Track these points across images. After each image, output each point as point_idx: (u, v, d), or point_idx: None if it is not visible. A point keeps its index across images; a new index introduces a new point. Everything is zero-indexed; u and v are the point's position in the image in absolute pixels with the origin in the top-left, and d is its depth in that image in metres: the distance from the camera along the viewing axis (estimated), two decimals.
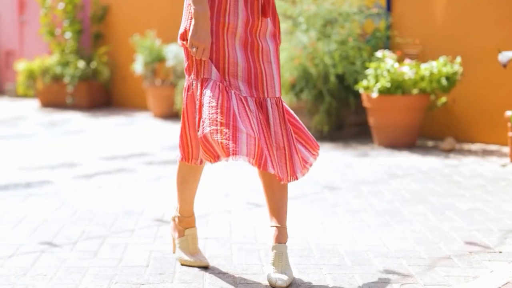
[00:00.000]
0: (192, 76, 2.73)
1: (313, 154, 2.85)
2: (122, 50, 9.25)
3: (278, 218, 2.83)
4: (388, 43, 6.75)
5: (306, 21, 6.49)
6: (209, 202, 4.11)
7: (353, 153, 5.80)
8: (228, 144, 2.50)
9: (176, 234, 3.01)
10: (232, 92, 2.65)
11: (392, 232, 3.46)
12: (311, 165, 2.83)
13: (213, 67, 2.67)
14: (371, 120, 6.12)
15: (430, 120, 6.35)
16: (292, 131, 2.78)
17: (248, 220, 3.72)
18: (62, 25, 9.53)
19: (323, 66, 6.30)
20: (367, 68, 6.20)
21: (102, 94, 9.48)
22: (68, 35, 9.41)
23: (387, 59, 5.98)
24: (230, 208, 3.99)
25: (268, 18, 2.78)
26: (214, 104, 2.59)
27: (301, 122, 2.87)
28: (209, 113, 2.57)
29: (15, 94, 10.80)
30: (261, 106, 2.71)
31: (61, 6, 9.44)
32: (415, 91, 5.91)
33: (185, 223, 2.99)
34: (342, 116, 6.55)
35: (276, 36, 2.81)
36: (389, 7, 6.73)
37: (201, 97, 2.66)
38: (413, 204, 4.03)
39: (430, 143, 6.19)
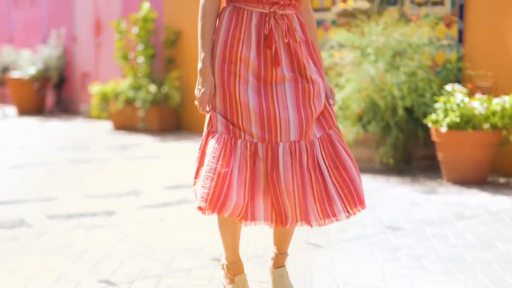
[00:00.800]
0: (205, 125, 2.82)
1: (348, 212, 2.79)
2: (193, 75, 9.36)
3: (279, 247, 3.00)
4: (459, 75, 6.60)
5: (375, 52, 6.42)
6: (268, 241, 4.08)
7: (420, 189, 5.68)
8: (218, 196, 2.59)
9: (227, 281, 2.98)
10: (239, 142, 2.71)
11: (453, 281, 3.36)
12: (337, 220, 2.79)
13: (221, 120, 2.74)
14: (440, 155, 5.99)
15: (502, 155, 6.17)
16: (323, 179, 2.75)
17: (306, 262, 3.68)
18: (135, 49, 9.73)
19: (391, 98, 6.21)
20: (436, 101, 6.08)
21: (173, 118, 9.61)
22: (141, 59, 9.60)
23: (456, 94, 5.85)
24: (289, 249, 3.95)
25: (310, 62, 2.80)
26: (216, 154, 2.66)
27: (354, 174, 2.80)
28: (209, 162, 2.66)
29: (89, 116, 11.07)
30: (273, 150, 2.71)
31: (135, 30, 9.64)
32: (486, 126, 5.76)
33: (233, 270, 2.96)
34: (410, 149, 6.43)
35: (298, 80, 2.78)
36: (460, 39, 6.59)
37: (205, 146, 2.75)
38: (478, 250, 3.90)
39: (502, 180, 6.01)
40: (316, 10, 7.92)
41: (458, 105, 5.78)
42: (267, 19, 2.78)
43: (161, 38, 9.77)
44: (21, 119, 11.32)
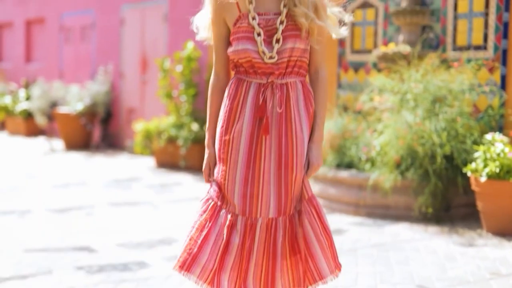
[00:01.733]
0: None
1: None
2: None
3: None
4: (501, 122, 6.46)
5: (414, 99, 6.33)
6: None
7: (458, 240, 5.54)
8: (186, 258, 2.78)
9: None
10: (223, 211, 2.83)
11: None
12: None
13: (214, 187, 2.87)
14: (480, 205, 5.84)
15: None
16: (297, 255, 2.82)
17: None
18: (179, 88, 9.83)
19: (430, 145, 6.10)
20: (477, 149, 5.95)
21: None
22: (184, 97, 9.68)
23: (496, 143, 5.71)
24: None
25: (304, 132, 2.83)
26: (198, 219, 2.84)
27: (325, 245, 2.81)
28: (191, 225, 2.85)
29: (134, 151, 11.19)
30: (251, 225, 2.81)
31: (179, 68, 9.74)
32: None
33: None
34: (450, 196, 6.30)
35: (282, 155, 2.80)
36: (503, 84, 6.46)
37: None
38: None
39: None
40: (357, 52, 7.88)
41: (498, 154, 5.64)
42: (263, 89, 2.83)
43: (205, 77, 9.84)
44: (68, 154, 11.52)
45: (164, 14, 11.12)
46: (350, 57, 7.95)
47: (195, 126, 9.40)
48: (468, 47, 6.79)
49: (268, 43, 2.82)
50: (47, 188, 7.95)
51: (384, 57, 7.07)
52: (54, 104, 12.63)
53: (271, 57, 2.80)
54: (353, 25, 7.95)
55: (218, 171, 2.87)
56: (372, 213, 6.49)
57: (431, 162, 6.13)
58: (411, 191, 6.26)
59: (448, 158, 6.22)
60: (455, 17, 6.92)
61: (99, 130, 12.43)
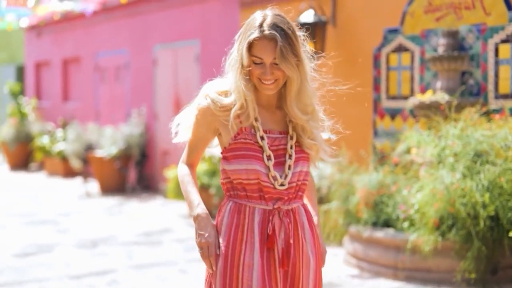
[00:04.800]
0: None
1: None
2: None
3: None
4: None
5: (452, 155, 5.90)
6: None
7: None
8: None
9: None
10: None
11: None
12: None
13: None
14: None
15: None
16: None
17: None
18: None
19: (472, 204, 5.66)
20: None
21: None
22: None
23: None
24: None
25: (311, 257, 2.62)
26: None
27: None
28: None
29: (167, 196, 10.95)
30: None
31: None
32: None
33: None
34: (496, 258, 5.84)
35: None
36: None
37: None
38: None
39: None
40: (393, 97, 7.50)
41: None
42: (270, 217, 2.56)
43: None
44: (102, 198, 11.33)
45: (196, 55, 10.89)
46: (386, 103, 7.56)
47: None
48: (511, 95, 6.35)
49: (276, 165, 2.58)
50: (73, 248, 7.70)
51: (421, 106, 6.66)
52: (89, 147, 12.49)
53: (282, 184, 2.57)
54: (388, 69, 7.56)
55: None
56: (411, 277, 6.06)
57: (474, 224, 5.69)
58: (453, 253, 5.83)
59: (493, 218, 5.77)
60: (496, 63, 6.49)
61: (134, 172, 12.24)
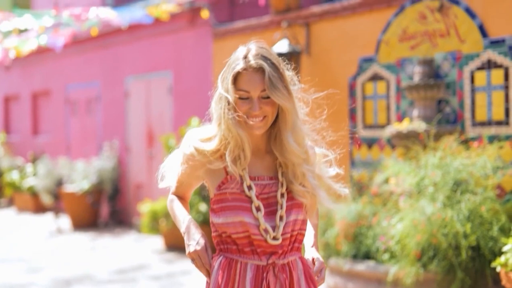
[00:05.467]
0: None
1: None
2: None
3: None
4: None
5: (432, 185, 5.81)
6: None
7: None
8: None
9: None
10: None
11: None
12: None
13: None
14: None
15: None
16: None
17: None
18: None
19: (453, 235, 5.56)
20: (505, 235, 5.41)
21: None
22: None
23: None
24: None
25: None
26: None
27: None
28: None
29: (141, 230, 10.73)
30: None
31: None
32: None
33: None
34: None
35: None
36: None
37: None
38: None
39: None
40: (370, 127, 7.42)
41: None
42: (264, 274, 2.34)
43: None
44: (74, 234, 11.07)
45: (169, 86, 10.74)
46: (363, 133, 7.47)
47: (203, 207, 8.91)
48: (488, 123, 6.30)
49: (268, 214, 2.36)
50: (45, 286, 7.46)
51: (399, 136, 6.58)
52: (59, 182, 12.24)
53: (275, 238, 2.34)
54: (364, 98, 7.49)
55: None
56: None
57: (456, 254, 5.58)
58: (435, 285, 5.71)
59: (474, 248, 5.67)
60: (473, 90, 6.44)
61: (107, 207, 11.99)
